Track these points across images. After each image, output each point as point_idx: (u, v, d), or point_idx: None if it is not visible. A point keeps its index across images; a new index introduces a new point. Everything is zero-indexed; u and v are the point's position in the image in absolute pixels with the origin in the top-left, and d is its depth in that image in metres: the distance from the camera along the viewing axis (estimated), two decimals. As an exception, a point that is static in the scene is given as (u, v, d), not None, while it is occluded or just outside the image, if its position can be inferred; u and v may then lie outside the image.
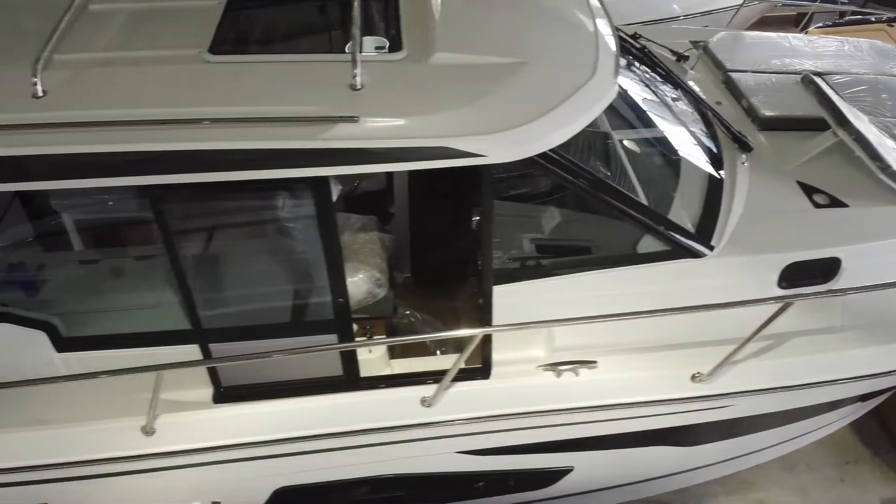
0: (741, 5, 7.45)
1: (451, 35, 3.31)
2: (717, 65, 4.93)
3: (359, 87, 3.00)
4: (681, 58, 4.98)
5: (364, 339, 3.78)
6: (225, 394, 3.66)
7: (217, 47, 3.20)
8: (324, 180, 3.06)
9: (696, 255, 3.60)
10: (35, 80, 2.91)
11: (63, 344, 3.45)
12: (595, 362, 3.72)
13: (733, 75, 4.76)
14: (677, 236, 3.57)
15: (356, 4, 3.19)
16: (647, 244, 3.60)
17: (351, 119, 2.89)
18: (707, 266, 3.62)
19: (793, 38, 5.26)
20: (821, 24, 8.67)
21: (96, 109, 2.90)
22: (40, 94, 2.93)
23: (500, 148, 2.99)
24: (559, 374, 3.72)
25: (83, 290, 3.77)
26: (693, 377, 3.77)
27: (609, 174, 3.63)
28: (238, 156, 2.91)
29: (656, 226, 3.53)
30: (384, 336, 3.94)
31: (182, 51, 3.19)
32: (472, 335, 3.45)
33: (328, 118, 2.90)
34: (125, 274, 3.81)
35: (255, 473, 3.79)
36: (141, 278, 3.76)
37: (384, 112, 2.97)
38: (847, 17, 8.98)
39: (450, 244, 4.38)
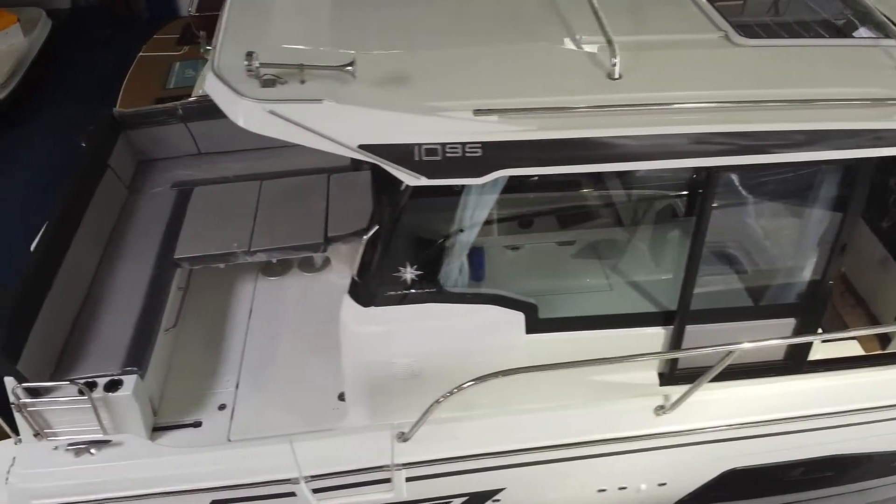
0: None
1: None
2: None
3: None
4: None
5: None
6: (678, 377, 3.62)
7: (742, 31, 3.24)
8: (867, 162, 3.08)
9: None
10: (615, 60, 2.96)
11: (534, 326, 3.38)
12: None
13: None
14: None
15: None
16: None
17: None
18: None
19: None
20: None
21: (661, 92, 2.95)
22: (617, 75, 2.97)
23: None
24: None
25: (561, 272, 3.76)
26: None
27: None
28: (821, 137, 2.92)
29: None
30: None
31: (703, 34, 3.24)
32: None
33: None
34: (603, 256, 3.80)
35: (708, 455, 3.77)
36: (619, 260, 3.77)
37: None
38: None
39: None
